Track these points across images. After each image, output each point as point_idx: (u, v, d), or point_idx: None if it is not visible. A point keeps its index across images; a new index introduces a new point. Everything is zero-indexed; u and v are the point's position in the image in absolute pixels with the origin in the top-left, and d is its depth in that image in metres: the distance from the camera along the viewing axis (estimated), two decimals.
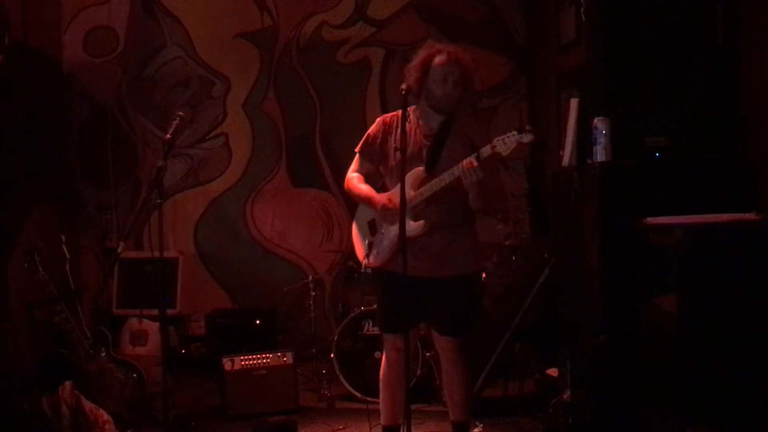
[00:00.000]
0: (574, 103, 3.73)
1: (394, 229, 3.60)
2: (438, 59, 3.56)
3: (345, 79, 6.26)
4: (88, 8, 6.19)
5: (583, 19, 3.96)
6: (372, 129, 3.77)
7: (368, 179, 3.79)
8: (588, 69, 3.71)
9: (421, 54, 3.62)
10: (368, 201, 3.68)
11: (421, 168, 3.55)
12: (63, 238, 5.17)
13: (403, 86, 3.46)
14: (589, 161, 3.45)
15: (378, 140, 3.73)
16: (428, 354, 4.65)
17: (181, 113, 3.82)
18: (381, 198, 3.63)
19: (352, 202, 3.92)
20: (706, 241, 2.80)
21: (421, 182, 3.53)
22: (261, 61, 6.25)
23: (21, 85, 5.28)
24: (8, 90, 5.07)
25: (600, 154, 3.35)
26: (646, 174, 3.29)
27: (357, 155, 3.81)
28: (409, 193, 3.46)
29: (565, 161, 3.73)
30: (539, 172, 5.77)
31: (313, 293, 5.50)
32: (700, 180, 3.27)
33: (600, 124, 3.35)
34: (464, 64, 3.58)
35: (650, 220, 3.04)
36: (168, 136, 3.67)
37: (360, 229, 3.82)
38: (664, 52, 3.40)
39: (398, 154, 3.58)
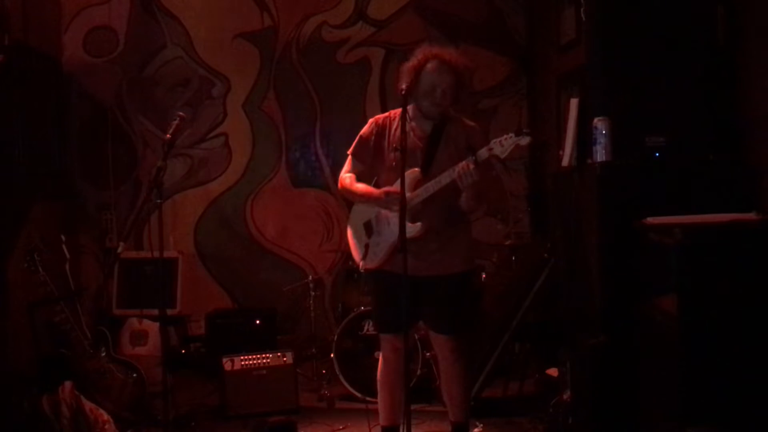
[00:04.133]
0: (574, 103, 3.73)
1: (390, 231, 3.60)
2: (429, 66, 3.55)
3: (345, 79, 6.26)
4: (88, 8, 6.18)
5: (583, 19, 3.95)
6: (365, 130, 3.77)
7: (361, 180, 3.78)
8: (588, 69, 3.71)
9: (416, 57, 3.61)
10: (367, 196, 3.67)
11: (416, 169, 3.54)
12: (63, 238, 5.17)
13: (403, 86, 3.47)
14: (589, 161, 3.45)
15: (371, 141, 3.73)
16: (428, 354, 4.65)
17: (181, 113, 3.83)
18: (379, 192, 3.61)
19: (352, 202, 3.92)
20: (706, 241, 2.80)
21: (417, 183, 3.52)
22: (261, 61, 6.25)
23: (21, 85, 5.28)
24: (8, 90, 5.07)
25: (600, 154, 3.35)
26: (646, 174, 3.29)
27: (350, 157, 3.81)
28: (406, 194, 3.44)
29: (565, 161, 3.73)
30: (539, 172, 5.77)
31: (313, 293, 5.51)
32: (700, 180, 3.27)
33: (600, 124, 3.35)
34: (458, 70, 3.56)
35: (650, 220, 3.03)
36: (168, 136, 3.67)
37: (355, 231, 3.82)
38: (664, 52, 3.40)
39: (393, 154, 3.60)
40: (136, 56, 6.22)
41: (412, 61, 3.61)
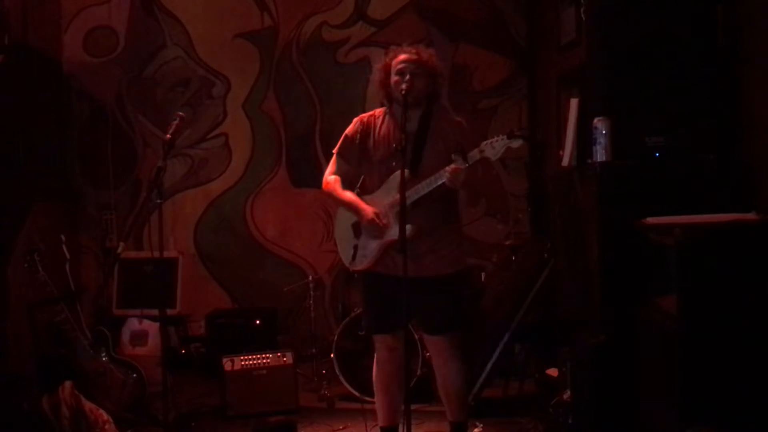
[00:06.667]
0: (574, 103, 3.73)
1: (379, 234, 3.60)
2: (395, 59, 3.62)
3: (345, 79, 6.26)
4: (88, 8, 6.19)
5: (583, 19, 3.95)
6: (350, 129, 3.78)
7: (346, 180, 3.77)
8: (588, 69, 3.71)
9: (383, 60, 3.68)
10: (354, 210, 3.67)
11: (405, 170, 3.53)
12: (63, 238, 5.17)
13: (404, 86, 3.48)
14: (589, 161, 3.45)
15: (357, 140, 3.73)
16: (428, 354, 4.64)
17: (181, 113, 3.83)
18: (368, 211, 3.60)
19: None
20: (706, 241, 2.80)
21: (407, 185, 3.51)
22: (261, 61, 6.25)
23: (21, 85, 5.28)
24: (8, 90, 5.07)
25: (600, 154, 3.35)
26: (646, 174, 3.28)
27: (335, 156, 3.81)
28: (395, 196, 3.44)
29: (565, 161, 3.73)
30: (539, 172, 5.77)
31: (313, 293, 5.51)
32: (700, 180, 3.27)
33: (600, 124, 3.35)
34: (423, 57, 3.61)
35: (650, 220, 3.03)
36: (168, 136, 3.68)
37: (343, 232, 3.80)
38: (664, 52, 3.40)
39: (379, 152, 3.62)
40: (136, 56, 6.22)
41: (378, 65, 3.69)
